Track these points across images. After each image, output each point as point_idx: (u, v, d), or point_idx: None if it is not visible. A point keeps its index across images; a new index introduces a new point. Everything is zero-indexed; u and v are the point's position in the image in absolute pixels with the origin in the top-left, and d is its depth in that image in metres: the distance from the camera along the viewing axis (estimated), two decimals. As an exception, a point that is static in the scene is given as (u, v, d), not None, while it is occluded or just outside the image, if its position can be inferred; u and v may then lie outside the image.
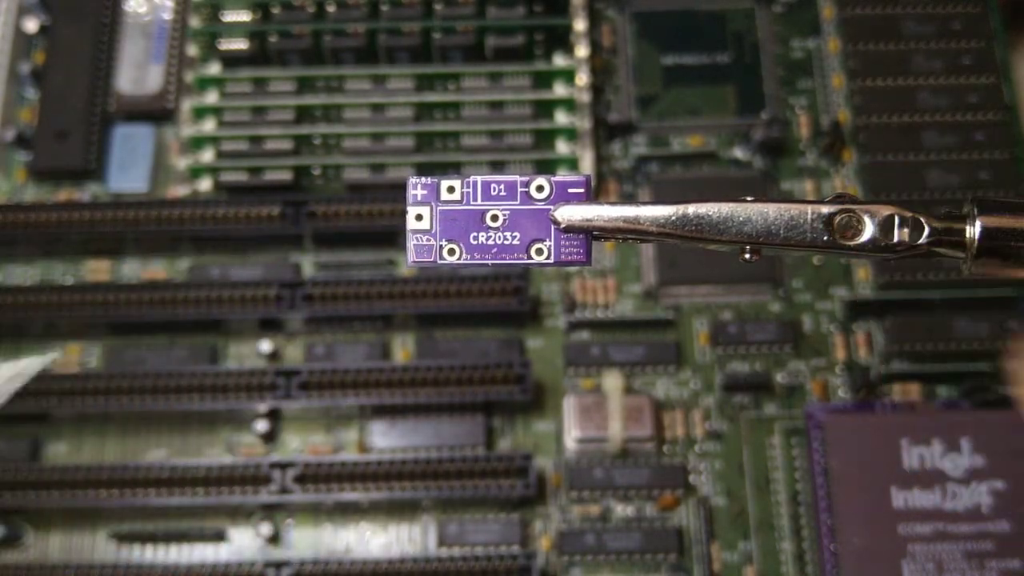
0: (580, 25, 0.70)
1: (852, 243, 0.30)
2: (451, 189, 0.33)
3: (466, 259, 0.32)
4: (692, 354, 0.65)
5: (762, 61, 0.72)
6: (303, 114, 0.69)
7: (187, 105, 0.69)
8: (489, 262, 0.32)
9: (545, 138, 0.68)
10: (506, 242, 0.32)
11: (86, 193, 0.70)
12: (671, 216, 0.31)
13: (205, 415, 0.63)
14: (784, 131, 0.69)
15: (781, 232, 0.30)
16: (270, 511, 0.62)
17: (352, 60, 0.70)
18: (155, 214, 0.65)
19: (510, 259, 0.32)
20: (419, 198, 0.33)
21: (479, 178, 0.33)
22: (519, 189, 0.33)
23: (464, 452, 0.62)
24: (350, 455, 0.62)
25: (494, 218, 0.33)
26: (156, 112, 0.71)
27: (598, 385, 0.63)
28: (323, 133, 0.68)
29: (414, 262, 0.33)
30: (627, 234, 0.31)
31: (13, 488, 0.60)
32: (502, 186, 0.32)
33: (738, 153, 0.70)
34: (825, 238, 0.30)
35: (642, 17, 0.73)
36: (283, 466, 0.60)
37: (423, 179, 0.33)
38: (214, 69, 0.70)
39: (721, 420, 0.63)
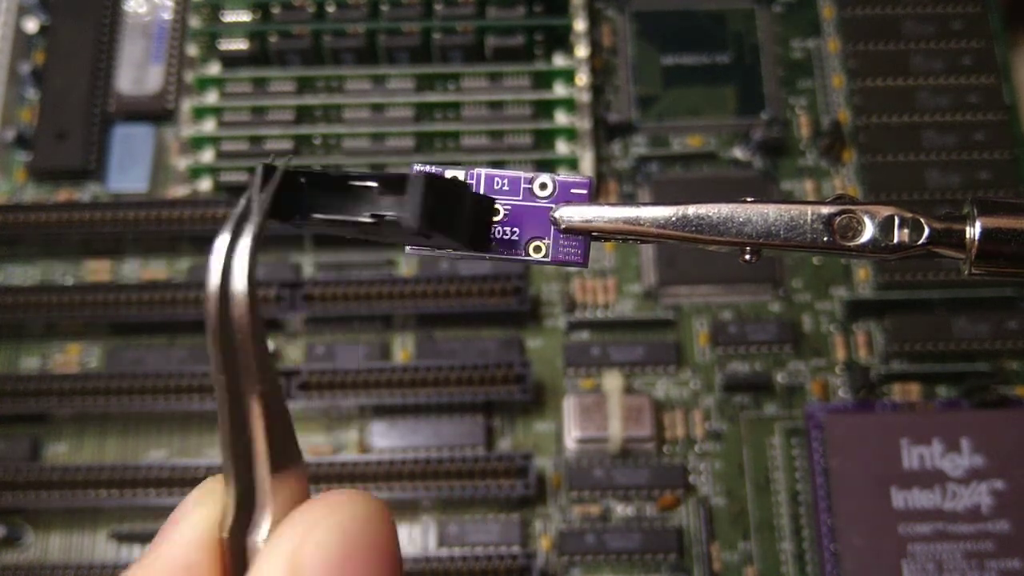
0: (580, 25, 0.70)
1: (852, 244, 0.30)
2: None
3: (463, 251, 0.32)
4: (692, 354, 0.65)
5: (762, 61, 0.72)
6: (303, 114, 0.69)
7: (187, 105, 0.69)
8: (486, 256, 0.32)
9: (545, 138, 0.68)
10: (505, 237, 0.32)
11: (86, 193, 0.70)
12: (671, 217, 0.31)
13: (205, 415, 0.63)
14: (784, 131, 0.69)
15: (781, 233, 0.30)
16: (270, 511, 0.62)
17: (352, 60, 0.70)
18: (155, 214, 0.65)
19: (508, 255, 0.32)
20: None
21: (483, 171, 0.33)
22: (522, 185, 0.32)
23: (464, 452, 0.62)
24: (350, 455, 0.62)
25: (495, 212, 0.32)
26: (156, 112, 0.71)
27: (598, 385, 0.63)
28: (323, 133, 0.68)
29: (412, 251, 0.33)
30: (627, 235, 0.31)
31: (13, 488, 0.60)
32: (505, 181, 0.32)
33: (738, 153, 0.70)
34: (825, 239, 0.30)
35: (642, 17, 0.73)
36: (283, 466, 0.60)
37: (427, 168, 0.32)
38: (214, 69, 0.70)
39: (721, 420, 0.63)
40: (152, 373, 0.62)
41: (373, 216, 0.29)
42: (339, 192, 0.29)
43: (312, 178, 0.29)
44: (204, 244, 0.68)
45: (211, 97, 0.69)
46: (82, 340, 0.66)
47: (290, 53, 0.69)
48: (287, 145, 0.68)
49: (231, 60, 0.70)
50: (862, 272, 0.66)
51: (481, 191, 0.32)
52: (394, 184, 0.29)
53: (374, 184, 0.29)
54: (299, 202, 0.29)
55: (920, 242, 0.30)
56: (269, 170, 0.29)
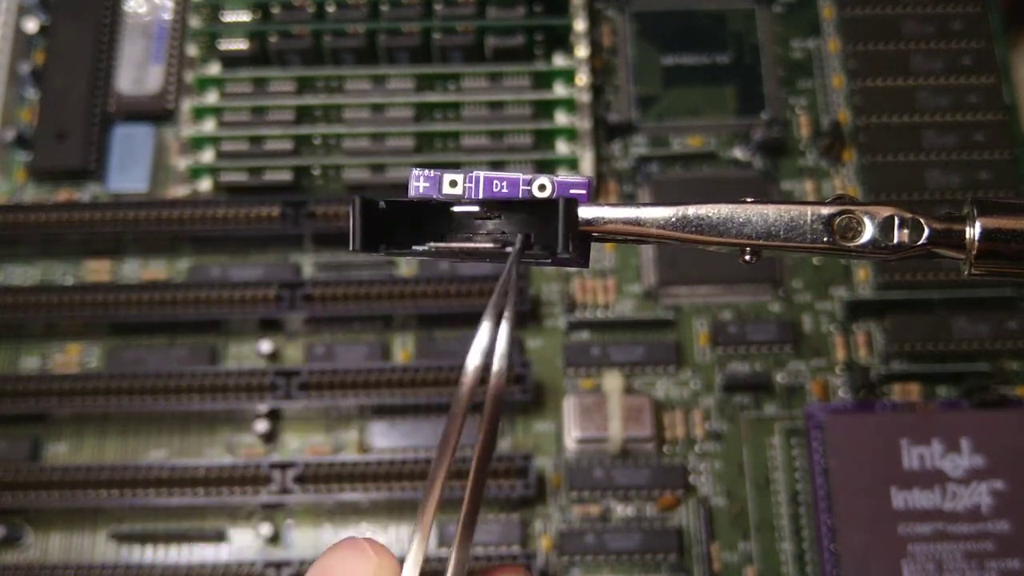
0: (580, 25, 0.70)
1: (852, 244, 0.30)
2: (453, 183, 0.32)
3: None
4: (692, 354, 0.65)
5: (762, 61, 0.72)
6: (303, 114, 0.69)
7: (187, 105, 0.69)
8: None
9: (545, 138, 0.68)
10: None
11: (86, 193, 0.70)
12: (671, 217, 0.31)
13: (205, 415, 0.63)
14: (784, 131, 0.69)
15: (781, 233, 0.30)
16: (270, 511, 0.62)
17: (352, 60, 0.70)
18: (155, 214, 0.65)
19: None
20: (421, 191, 0.33)
21: (482, 173, 0.32)
22: (521, 187, 0.32)
23: (464, 452, 0.62)
24: (350, 455, 0.62)
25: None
26: (156, 112, 0.71)
27: (598, 385, 0.63)
28: (323, 133, 0.68)
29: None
30: (627, 235, 0.31)
31: (13, 488, 0.60)
32: (504, 183, 0.32)
33: (738, 153, 0.70)
34: (825, 239, 0.30)
35: (642, 17, 0.73)
36: (283, 466, 0.60)
37: (426, 171, 0.32)
38: (214, 69, 0.70)
39: (721, 420, 0.63)
40: (152, 373, 0.62)
41: (523, 240, 0.30)
42: (439, 219, 0.31)
43: (408, 209, 0.31)
44: (204, 244, 0.68)
45: (211, 97, 0.69)
46: (82, 340, 0.66)
47: (290, 53, 0.69)
48: (287, 145, 0.68)
49: (231, 60, 0.70)
50: (862, 272, 0.66)
51: (480, 193, 0.32)
52: (511, 207, 0.30)
53: (475, 208, 0.31)
54: (403, 231, 0.31)
55: (920, 242, 0.30)
56: (367, 203, 0.30)
